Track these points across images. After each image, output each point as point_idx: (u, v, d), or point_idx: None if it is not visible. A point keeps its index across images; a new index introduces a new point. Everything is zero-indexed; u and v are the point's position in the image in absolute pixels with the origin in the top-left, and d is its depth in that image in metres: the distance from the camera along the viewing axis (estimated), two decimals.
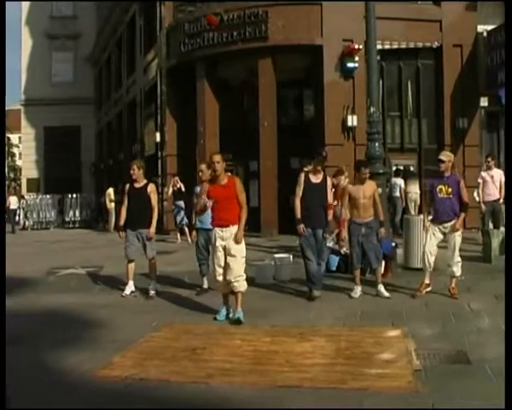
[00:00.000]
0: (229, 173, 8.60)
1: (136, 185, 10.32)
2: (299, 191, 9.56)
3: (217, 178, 8.20)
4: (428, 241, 9.51)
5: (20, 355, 6.44)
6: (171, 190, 19.46)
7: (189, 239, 18.08)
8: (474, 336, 7.04)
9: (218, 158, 8.13)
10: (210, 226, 9.81)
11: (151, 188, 10.38)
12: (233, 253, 8.03)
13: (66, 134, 38.86)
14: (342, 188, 10.67)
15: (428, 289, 9.53)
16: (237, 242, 8.03)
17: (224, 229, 8.09)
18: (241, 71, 21.11)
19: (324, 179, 9.66)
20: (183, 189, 18.99)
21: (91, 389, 5.64)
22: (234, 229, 8.10)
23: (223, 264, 8.11)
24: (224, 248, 8.08)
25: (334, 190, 10.97)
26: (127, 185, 10.53)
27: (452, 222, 9.31)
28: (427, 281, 9.52)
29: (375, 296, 9.46)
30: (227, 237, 8.07)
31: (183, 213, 18.82)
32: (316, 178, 9.64)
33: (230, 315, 8.18)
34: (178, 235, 18.89)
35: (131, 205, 10.22)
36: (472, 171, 17.91)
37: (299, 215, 9.52)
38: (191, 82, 21.22)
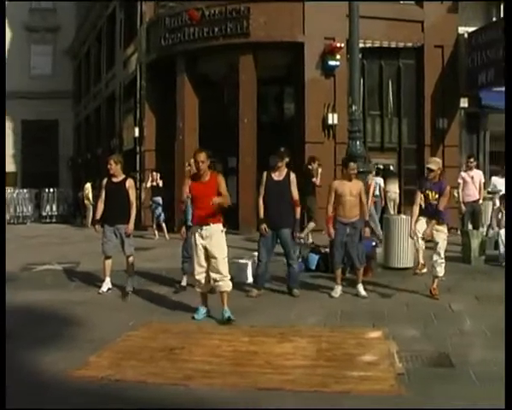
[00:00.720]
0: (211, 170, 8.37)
1: (115, 180, 10.16)
2: (262, 190, 9.53)
3: (200, 176, 8.06)
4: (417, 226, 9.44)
5: None
6: (149, 184, 19.36)
7: (167, 236, 18.00)
8: (457, 338, 6.98)
9: (202, 157, 7.96)
10: None
11: (129, 183, 10.22)
12: (214, 252, 7.87)
13: (44, 128, 38.42)
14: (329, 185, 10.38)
15: (425, 270, 9.61)
16: (215, 202, 7.80)
17: (205, 227, 7.93)
18: (221, 67, 20.96)
19: (287, 176, 9.55)
20: (161, 184, 18.92)
21: (66, 389, 5.50)
22: (215, 228, 7.96)
23: (203, 263, 7.96)
24: (205, 248, 7.92)
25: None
26: (105, 180, 10.35)
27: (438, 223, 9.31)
28: (422, 261, 9.47)
29: (354, 296, 9.41)
30: (207, 236, 7.91)
31: (160, 209, 18.76)
32: (277, 176, 9.56)
33: (211, 314, 8.08)
34: (156, 231, 18.79)
35: (109, 200, 10.06)
36: (451, 171, 17.90)
37: (261, 215, 9.49)
38: (171, 77, 21.03)
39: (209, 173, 8.11)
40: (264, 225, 9.42)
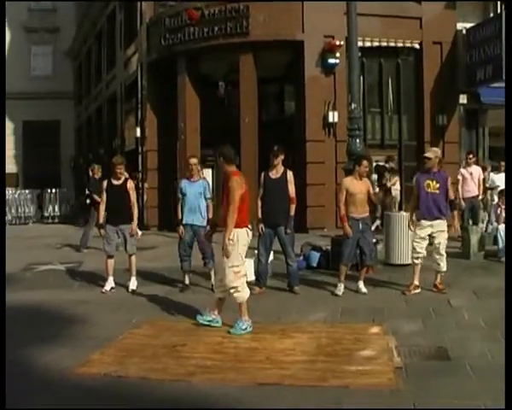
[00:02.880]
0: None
1: (115, 182, 10.26)
2: (260, 190, 9.61)
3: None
4: (416, 240, 9.51)
5: None
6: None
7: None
8: (455, 332, 7.07)
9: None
10: (197, 223, 9.86)
11: (130, 184, 10.35)
12: (223, 260, 7.34)
13: (46, 129, 38.45)
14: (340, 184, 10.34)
15: (418, 290, 9.38)
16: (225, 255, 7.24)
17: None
18: (222, 66, 21.01)
19: (284, 174, 9.64)
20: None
21: (69, 386, 5.59)
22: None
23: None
24: None
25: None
26: (105, 181, 10.46)
27: (439, 221, 9.34)
28: (416, 282, 9.44)
29: (355, 293, 9.47)
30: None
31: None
32: (274, 174, 9.68)
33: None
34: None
35: (111, 201, 10.17)
36: (451, 167, 17.96)
37: (259, 215, 9.57)
38: (172, 77, 21.09)
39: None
40: (261, 225, 9.52)
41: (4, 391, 4.81)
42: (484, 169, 16.22)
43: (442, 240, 9.38)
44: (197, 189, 9.96)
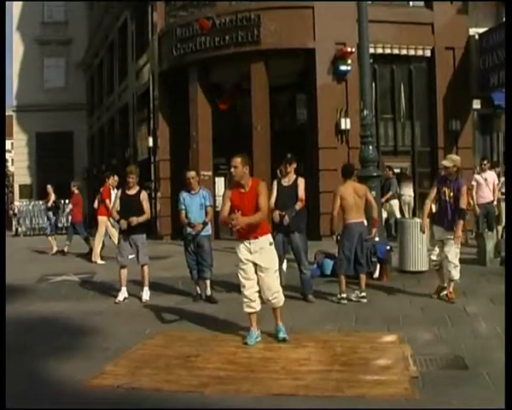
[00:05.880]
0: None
1: (129, 192, 10.26)
2: (272, 198, 9.51)
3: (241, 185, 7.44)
4: (430, 247, 9.52)
5: (11, 364, 6.32)
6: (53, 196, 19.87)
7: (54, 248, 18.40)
8: (471, 340, 6.97)
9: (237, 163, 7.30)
10: (200, 233, 9.86)
11: (143, 196, 10.33)
12: (264, 267, 7.22)
13: (59, 140, 38.62)
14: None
15: (444, 292, 9.42)
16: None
17: (252, 241, 7.23)
18: (233, 75, 21.02)
19: (295, 181, 9.64)
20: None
21: (83, 398, 5.56)
22: (264, 240, 7.28)
23: (253, 276, 7.29)
24: (254, 263, 7.25)
25: None
26: (119, 191, 10.47)
27: (449, 229, 9.26)
28: (442, 284, 9.49)
29: (369, 301, 9.38)
30: (255, 251, 7.22)
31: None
32: (287, 181, 9.68)
33: (277, 334, 7.39)
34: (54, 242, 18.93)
35: (124, 211, 10.14)
36: (465, 173, 17.85)
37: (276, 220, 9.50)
38: (184, 86, 21.14)
39: (250, 181, 7.39)
40: (273, 232, 9.47)
41: (4, 391, 4.77)
42: (499, 175, 16.10)
43: (452, 249, 9.26)
44: (198, 200, 9.96)
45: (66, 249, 17.78)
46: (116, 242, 14.76)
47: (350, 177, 9.88)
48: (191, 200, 9.94)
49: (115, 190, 15.29)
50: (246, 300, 7.29)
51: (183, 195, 10.03)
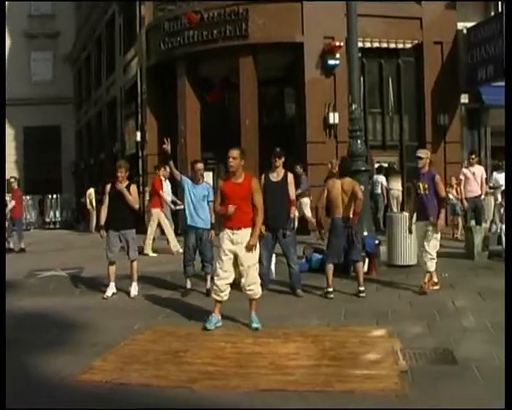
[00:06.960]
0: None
1: (118, 186, 10.17)
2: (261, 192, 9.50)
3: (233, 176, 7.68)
4: (418, 241, 9.59)
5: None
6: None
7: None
8: (460, 334, 7.00)
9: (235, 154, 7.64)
10: (201, 226, 9.79)
11: (133, 190, 10.25)
12: (245, 259, 7.47)
13: (46, 134, 38.39)
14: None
15: (437, 287, 9.53)
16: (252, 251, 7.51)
17: (236, 232, 7.49)
18: (221, 69, 20.97)
19: (285, 177, 9.62)
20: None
21: (72, 394, 5.53)
22: (246, 232, 7.51)
23: (229, 268, 7.56)
24: (234, 253, 7.50)
25: None
26: (108, 185, 10.38)
27: (427, 222, 9.34)
28: (434, 279, 9.58)
29: (357, 295, 9.38)
30: (238, 242, 7.46)
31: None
32: (275, 177, 9.65)
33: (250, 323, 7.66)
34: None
35: (113, 206, 10.07)
36: (453, 167, 17.99)
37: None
38: (172, 80, 21.05)
39: (243, 174, 7.65)
40: (262, 227, 9.43)
41: (4, 391, 4.73)
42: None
43: (431, 239, 9.33)
44: (201, 191, 9.91)
45: (12, 246, 17.57)
46: (170, 233, 15.00)
47: (346, 175, 9.75)
48: (195, 190, 9.90)
49: (167, 182, 15.33)
50: (216, 288, 7.60)
51: (187, 182, 9.99)
